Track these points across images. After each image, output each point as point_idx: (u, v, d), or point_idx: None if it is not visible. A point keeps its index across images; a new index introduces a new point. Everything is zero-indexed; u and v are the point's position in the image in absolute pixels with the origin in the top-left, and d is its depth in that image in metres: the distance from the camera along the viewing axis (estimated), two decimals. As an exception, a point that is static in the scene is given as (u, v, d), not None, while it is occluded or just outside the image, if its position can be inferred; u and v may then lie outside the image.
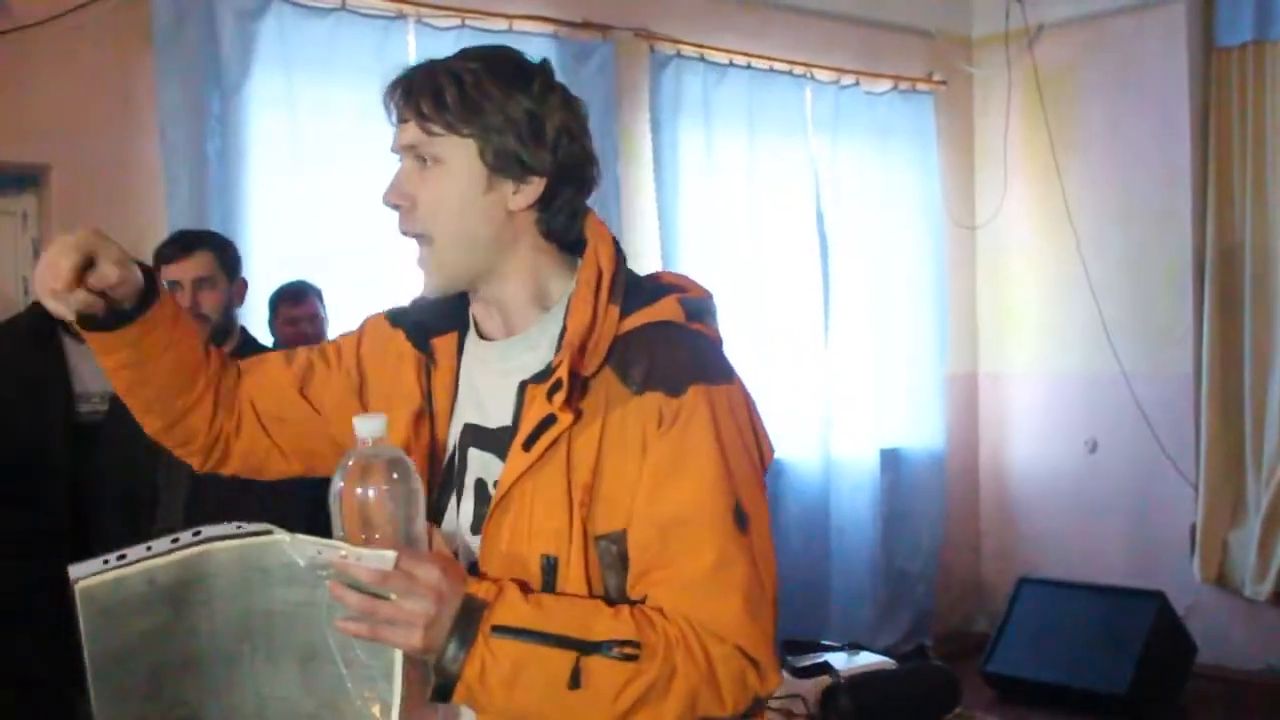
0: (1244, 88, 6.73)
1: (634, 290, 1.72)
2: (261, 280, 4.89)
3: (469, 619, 1.53)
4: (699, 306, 1.74)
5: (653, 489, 1.61)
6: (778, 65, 6.78)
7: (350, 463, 1.55)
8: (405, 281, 5.44)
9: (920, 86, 7.45)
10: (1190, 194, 6.86)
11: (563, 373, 1.62)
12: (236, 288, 3.70)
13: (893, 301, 7.19)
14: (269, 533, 1.59)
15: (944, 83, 7.55)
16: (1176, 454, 6.87)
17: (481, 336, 1.82)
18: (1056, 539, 7.37)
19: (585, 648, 1.54)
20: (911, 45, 7.50)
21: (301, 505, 3.74)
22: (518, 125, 1.67)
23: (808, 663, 3.24)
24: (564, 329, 1.69)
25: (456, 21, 5.68)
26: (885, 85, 7.28)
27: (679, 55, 6.43)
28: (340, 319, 4.97)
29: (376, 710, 1.58)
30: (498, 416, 1.75)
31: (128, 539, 3.62)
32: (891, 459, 7.23)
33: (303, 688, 1.62)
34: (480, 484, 1.75)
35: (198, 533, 1.61)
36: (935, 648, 6.81)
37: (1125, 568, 6.90)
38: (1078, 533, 7.27)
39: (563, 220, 1.74)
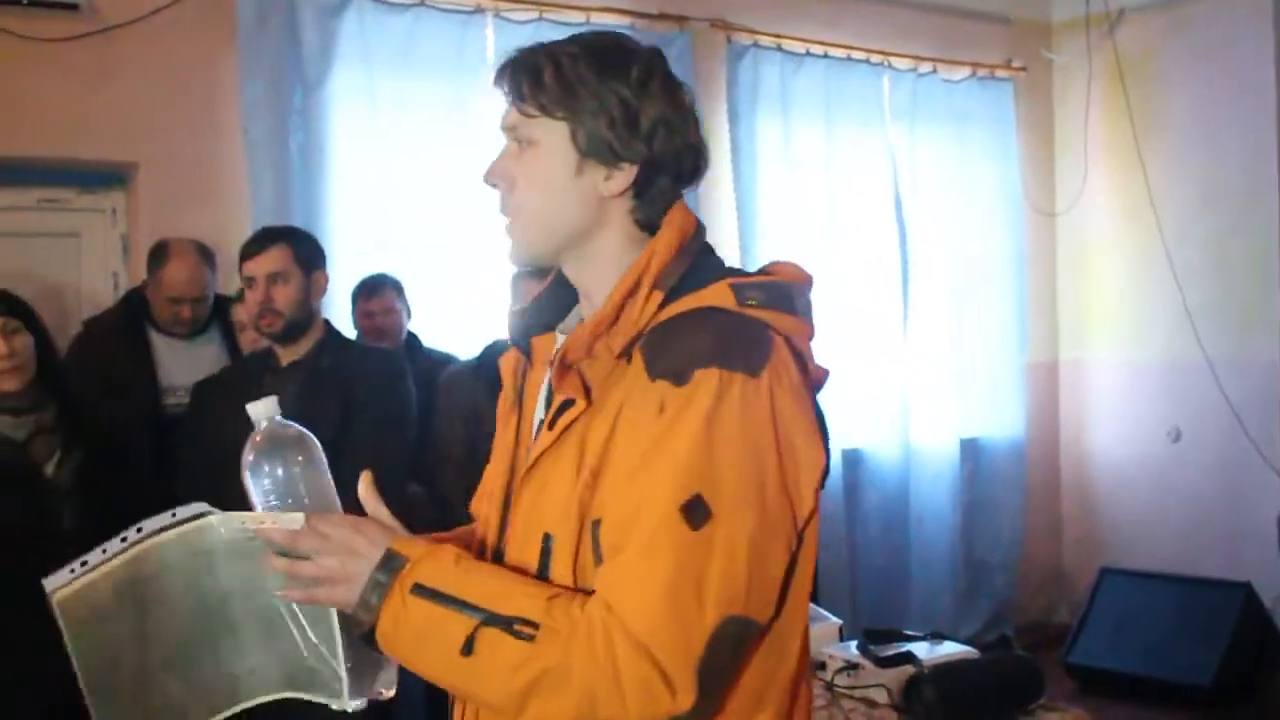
0: (1331, 70, 6.62)
1: (691, 277, 1.65)
2: (344, 273, 4.96)
3: (388, 572, 1.56)
4: (757, 290, 1.63)
5: (628, 473, 1.54)
6: (855, 54, 6.76)
7: (247, 446, 1.69)
8: (486, 273, 5.51)
9: (999, 73, 7.39)
10: (1276, 177, 6.75)
11: (557, 355, 1.66)
12: (315, 281, 3.74)
13: (972, 290, 7.14)
14: (204, 515, 1.63)
15: (1023, 69, 7.49)
16: (1263, 442, 6.77)
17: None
18: (1139, 529, 7.29)
19: (487, 618, 1.51)
20: (990, 32, 7.44)
21: (386, 498, 3.79)
22: (611, 112, 1.64)
23: (890, 652, 3.23)
24: None
25: (534, 14, 5.72)
26: (963, 73, 7.23)
27: (756, 45, 6.43)
28: (422, 311, 5.03)
29: (336, 666, 1.64)
30: (546, 391, 1.76)
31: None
32: (971, 448, 7.19)
33: (269, 657, 1.69)
34: None
35: (140, 529, 1.64)
36: (1017, 637, 6.78)
37: (1210, 558, 6.81)
38: (1161, 522, 7.19)
39: (657, 209, 1.70)
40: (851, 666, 3.22)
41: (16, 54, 4.75)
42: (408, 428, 3.84)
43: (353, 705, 1.67)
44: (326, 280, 3.83)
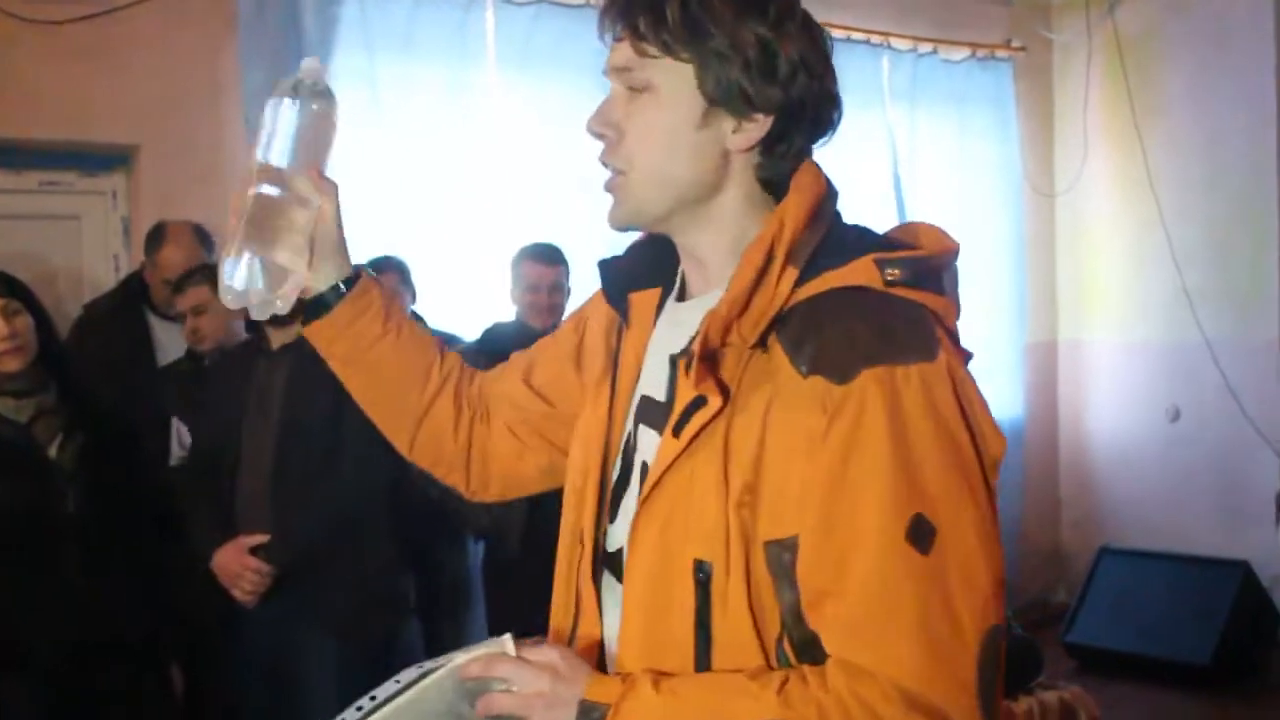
0: (1331, 50, 6.63)
1: (827, 249, 1.44)
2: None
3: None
4: (910, 267, 1.42)
5: (819, 501, 1.33)
6: (854, 35, 6.75)
7: (286, 85, 1.66)
8: (487, 256, 5.52)
9: (999, 54, 7.39)
10: (1276, 159, 6.76)
11: (696, 346, 1.41)
12: None
13: (972, 270, 7.02)
14: (427, 674, 1.48)
15: (1023, 49, 7.49)
16: (1261, 422, 6.79)
17: (683, 293, 1.60)
18: (1138, 508, 7.32)
19: None
20: (989, 12, 7.44)
21: (381, 481, 3.83)
22: (746, 53, 1.43)
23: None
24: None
25: (535, -1, 5.72)
26: (963, 53, 7.23)
27: (755, 27, 6.42)
28: (426, 294, 5.05)
29: None
30: (661, 387, 1.54)
31: (208, 508, 3.72)
32: (971, 428, 7.19)
33: None
34: (644, 467, 1.52)
35: (374, 697, 1.48)
36: (1016, 617, 6.80)
37: (1208, 537, 6.83)
38: (1160, 502, 7.21)
39: (787, 167, 1.49)
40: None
41: (18, 36, 4.75)
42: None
43: None
44: None
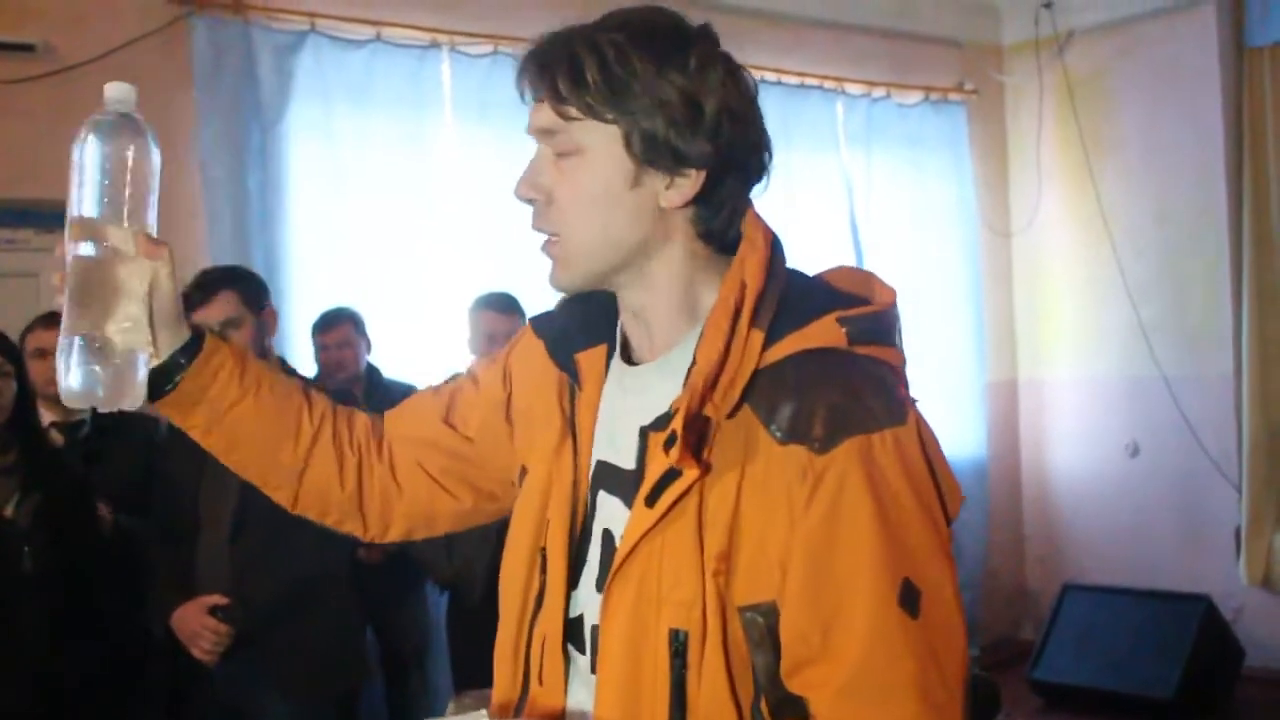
0: (1276, 87, 6.73)
1: (787, 308, 1.43)
2: (305, 310, 4.98)
3: None
4: (867, 326, 1.44)
5: (805, 569, 1.33)
6: (808, 80, 6.82)
7: (91, 119, 1.49)
8: (445, 305, 5.52)
9: (952, 96, 7.48)
10: (1225, 194, 6.86)
11: (678, 424, 1.37)
12: (265, 318, 3.70)
13: (930, 311, 7.19)
14: None
15: (975, 92, 7.57)
16: (1219, 456, 6.85)
17: (626, 352, 1.57)
18: (1100, 544, 7.36)
19: None
20: (942, 55, 7.53)
21: (341, 541, 3.83)
22: (670, 108, 1.39)
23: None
24: (694, 360, 1.41)
25: (489, 48, 5.75)
26: (917, 96, 7.31)
27: (710, 73, 6.46)
28: (383, 345, 5.05)
29: None
30: (627, 455, 1.50)
31: (168, 568, 3.68)
32: (933, 468, 7.22)
33: None
34: (607, 535, 1.50)
35: None
36: (980, 656, 6.82)
37: (1170, 572, 6.87)
38: (1122, 537, 7.25)
39: (724, 218, 1.47)
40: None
41: (-28, 96, 4.75)
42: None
43: None
44: (275, 314, 3.81)
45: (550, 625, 1.52)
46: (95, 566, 3.51)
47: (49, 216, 5.01)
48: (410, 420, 1.80)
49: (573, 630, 1.51)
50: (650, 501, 1.39)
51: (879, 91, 7.14)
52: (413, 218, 5.45)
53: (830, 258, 6.75)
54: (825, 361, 1.39)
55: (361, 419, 1.81)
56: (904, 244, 7.14)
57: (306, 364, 4.56)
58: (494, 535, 4.19)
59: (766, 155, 1.49)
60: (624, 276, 1.49)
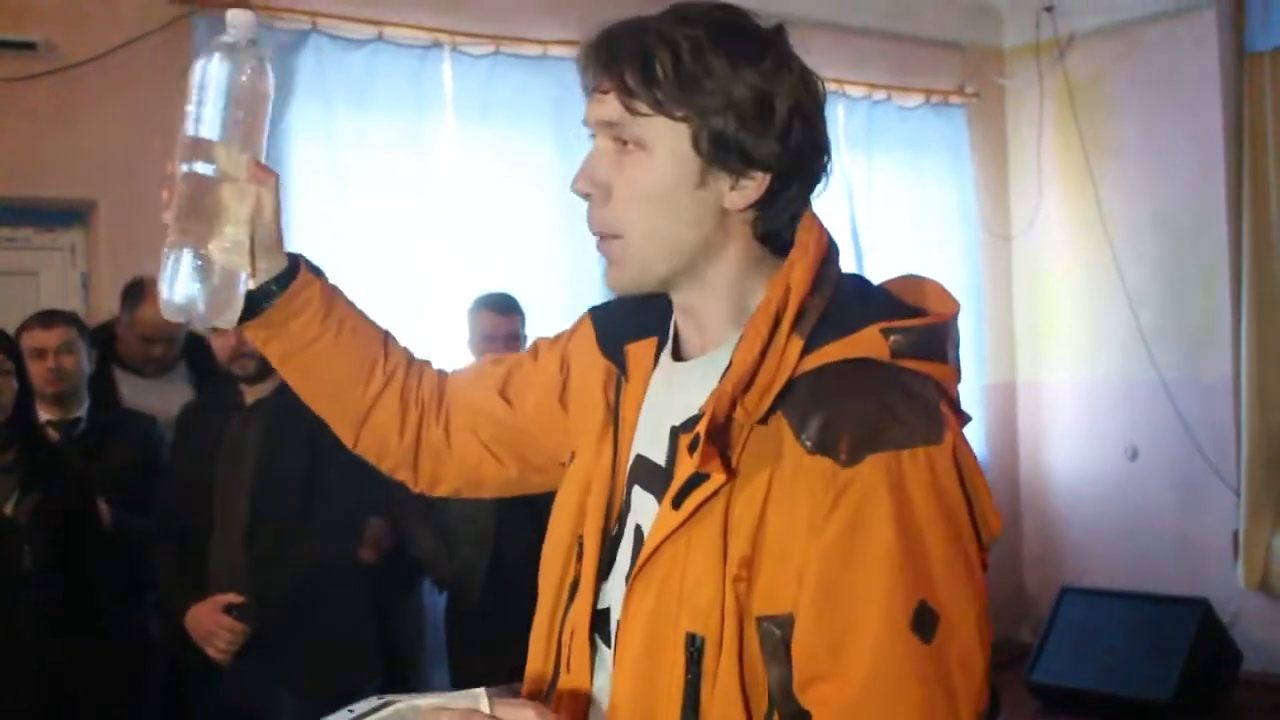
0: (1276, 92, 6.73)
1: (832, 315, 1.39)
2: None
3: None
4: (913, 338, 1.40)
5: (820, 581, 1.29)
6: (809, 82, 6.81)
7: (212, 41, 1.50)
8: (445, 306, 5.51)
9: (952, 99, 7.48)
10: (1224, 199, 6.87)
11: (702, 427, 1.33)
12: None
13: (930, 314, 7.19)
14: (387, 704, 1.37)
15: (976, 95, 7.58)
16: (1217, 459, 6.86)
17: (677, 348, 1.54)
18: (1098, 547, 7.36)
19: None
20: (943, 58, 7.53)
21: (353, 539, 3.85)
22: (741, 107, 1.36)
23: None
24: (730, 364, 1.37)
25: (491, 48, 5.75)
26: (917, 99, 7.31)
27: (711, 75, 6.46)
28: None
29: None
30: (662, 452, 1.47)
31: (181, 566, 3.71)
32: (932, 470, 7.22)
33: None
34: (638, 531, 1.47)
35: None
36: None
37: (1168, 575, 6.88)
38: (1120, 540, 7.26)
39: (784, 222, 1.44)
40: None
41: (-27, 94, 4.75)
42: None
43: None
44: None
45: (580, 615, 1.50)
46: (94, 564, 3.51)
47: (49, 215, 5.04)
48: (469, 386, 1.80)
49: (600, 622, 1.49)
50: (676, 504, 1.36)
51: (879, 94, 7.15)
52: (413, 218, 5.45)
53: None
54: (863, 373, 1.35)
55: (430, 375, 1.82)
56: (904, 246, 7.14)
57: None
58: (492, 538, 4.23)
59: (828, 158, 1.46)
60: (681, 279, 1.45)
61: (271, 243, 1.60)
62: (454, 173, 5.59)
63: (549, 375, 1.72)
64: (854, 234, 6.98)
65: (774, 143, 1.38)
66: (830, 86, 5.61)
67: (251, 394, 3.74)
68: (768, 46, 1.39)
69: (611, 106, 1.39)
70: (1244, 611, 6.70)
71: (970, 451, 1.37)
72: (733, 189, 1.40)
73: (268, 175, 1.54)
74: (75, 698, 3.40)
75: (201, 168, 1.49)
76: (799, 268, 1.40)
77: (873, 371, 1.35)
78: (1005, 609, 7.66)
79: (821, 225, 1.45)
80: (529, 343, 4.80)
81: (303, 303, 1.67)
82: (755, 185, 1.39)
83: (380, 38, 5.49)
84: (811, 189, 1.45)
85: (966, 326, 7.20)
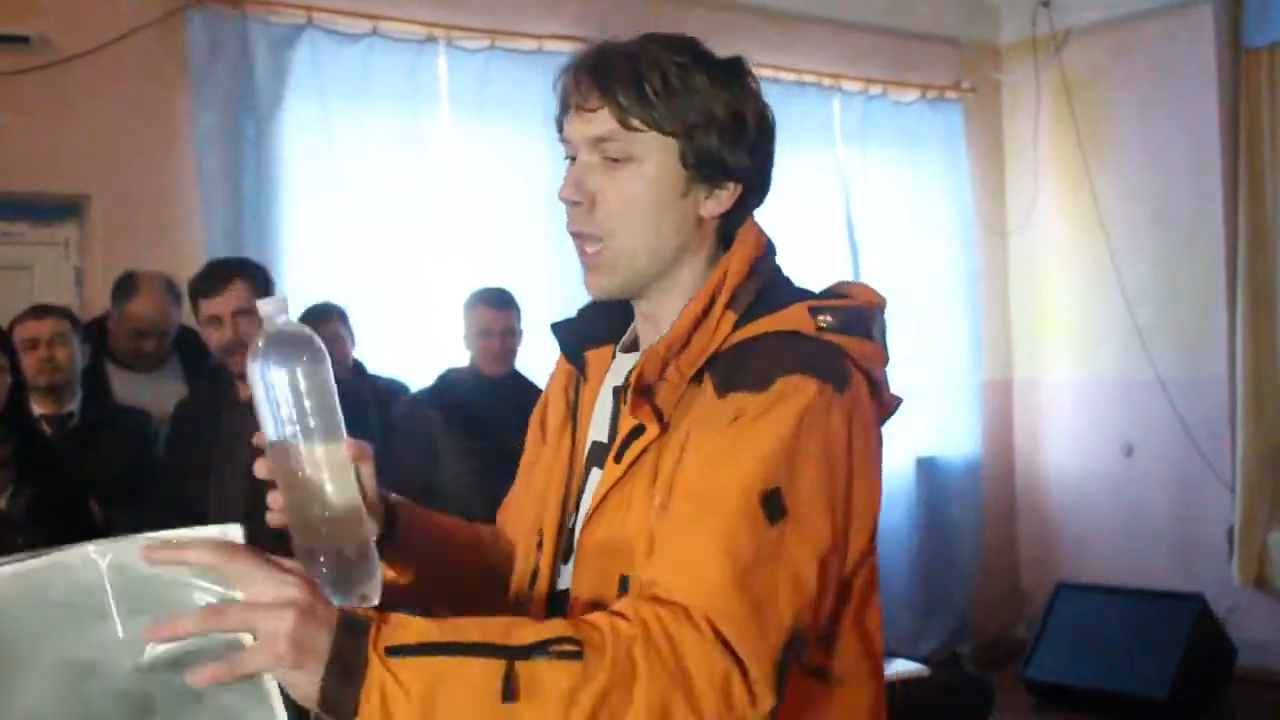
0: (1273, 88, 6.72)
1: (765, 298, 1.54)
2: (298, 304, 4.96)
3: (353, 638, 1.22)
4: (842, 317, 1.53)
5: (700, 469, 1.40)
6: (805, 77, 6.82)
7: (257, 342, 1.46)
8: (439, 301, 5.51)
9: (949, 95, 7.47)
10: (1221, 196, 6.86)
11: (633, 378, 1.48)
12: None
13: (926, 310, 7.19)
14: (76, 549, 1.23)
15: (972, 90, 7.57)
16: (1213, 456, 6.86)
17: (633, 346, 1.67)
18: (1094, 544, 7.36)
19: (513, 652, 1.23)
20: (939, 54, 7.52)
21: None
22: (721, 124, 1.51)
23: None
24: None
25: (486, 43, 5.74)
26: (913, 94, 7.30)
27: (707, 70, 6.45)
28: (376, 339, 5.04)
29: None
30: (609, 424, 1.61)
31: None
32: (927, 467, 7.24)
33: None
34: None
35: None
36: (974, 655, 6.83)
37: (1164, 571, 6.88)
38: (1115, 537, 7.25)
39: (739, 225, 1.59)
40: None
41: (-34, 88, 4.74)
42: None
43: None
44: None
45: (538, 600, 1.59)
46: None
47: (44, 209, 5.03)
48: (514, 512, 1.83)
49: (561, 602, 1.55)
50: (618, 457, 1.49)
51: (876, 89, 7.13)
52: (408, 212, 5.44)
53: (826, 255, 6.79)
54: (784, 339, 1.48)
55: (498, 536, 1.85)
56: (900, 242, 7.13)
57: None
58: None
59: (774, 171, 1.62)
60: (657, 282, 1.57)
61: (377, 507, 1.59)
62: (449, 167, 5.57)
63: (535, 432, 1.82)
64: (849, 229, 6.97)
65: (745, 156, 1.54)
66: (826, 81, 5.71)
67: (245, 390, 3.72)
68: (735, 72, 1.55)
69: (602, 123, 1.50)
70: (1239, 608, 6.70)
71: (863, 427, 1.47)
72: (708, 198, 1.55)
73: (361, 452, 1.52)
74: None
75: (299, 470, 1.47)
76: (736, 258, 1.55)
77: (793, 339, 1.48)
78: (1001, 605, 7.67)
79: (759, 227, 1.61)
80: (524, 338, 4.80)
81: (412, 544, 1.66)
82: (728, 194, 1.55)
83: (375, 32, 5.48)
84: (765, 196, 1.62)
85: (963, 323, 7.28)
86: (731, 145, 1.52)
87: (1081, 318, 7.50)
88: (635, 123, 1.49)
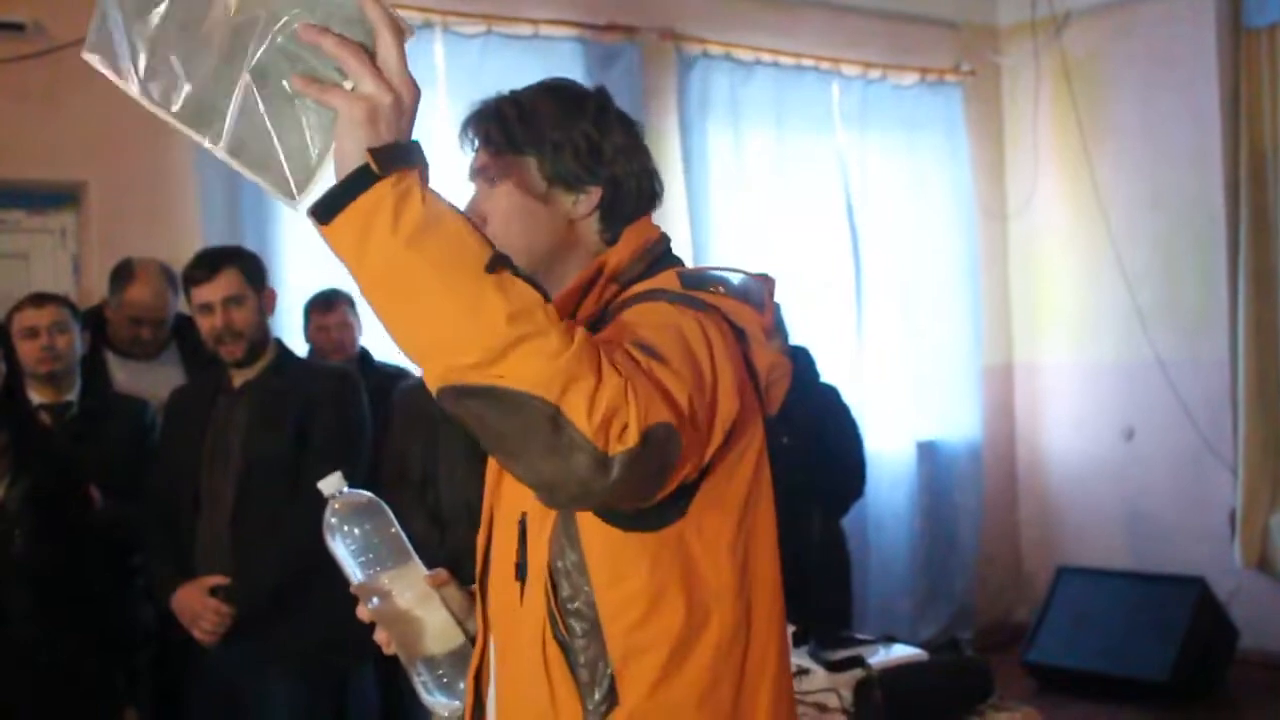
0: (1274, 69, 6.71)
1: (647, 272, 1.76)
2: (296, 290, 4.96)
3: (416, 149, 1.47)
4: (701, 275, 1.75)
5: None
6: (804, 61, 6.80)
7: (326, 513, 1.82)
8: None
9: (948, 78, 7.45)
10: (1222, 178, 6.85)
11: None
12: (265, 298, 3.75)
13: (926, 294, 7.19)
14: None
15: (972, 73, 7.55)
16: (1214, 439, 6.85)
17: None
18: (1096, 527, 7.35)
19: (501, 258, 1.43)
20: (938, 37, 7.50)
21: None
22: (576, 143, 1.76)
23: (840, 656, 3.26)
24: None
25: (483, 28, 5.72)
26: (913, 78, 7.28)
27: (705, 55, 6.46)
28: (373, 327, 5.02)
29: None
30: None
31: (168, 548, 3.70)
32: (928, 451, 7.24)
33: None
34: None
35: None
36: (975, 639, 6.82)
37: (1166, 555, 6.88)
38: (1117, 520, 7.25)
39: (623, 228, 1.80)
40: (803, 671, 3.24)
41: (-38, 76, 4.72)
42: (364, 446, 3.86)
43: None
44: (274, 296, 3.85)
45: (480, 576, 1.82)
46: (85, 548, 3.50)
47: (39, 197, 5.01)
48: None
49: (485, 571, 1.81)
50: None
51: (875, 73, 7.11)
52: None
53: (825, 240, 6.78)
54: (653, 293, 1.68)
55: None
56: (899, 226, 7.12)
57: (296, 343, 4.53)
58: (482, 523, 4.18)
59: (657, 184, 1.84)
60: (545, 276, 1.71)
61: (465, 614, 1.89)
62: (445, 153, 5.54)
63: None
64: (849, 213, 6.95)
65: (604, 168, 1.77)
66: (825, 65, 5.72)
67: (239, 377, 3.73)
68: (590, 100, 1.81)
69: (481, 157, 1.80)
70: (1241, 590, 6.69)
71: (723, 342, 1.60)
72: (575, 203, 1.77)
73: (439, 579, 1.88)
74: (66, 682, 3.39)
75: (387, 604, 1.83)
76: (622, 241, 1.79)
77: (661, 292, 1.67)
78: (1002, 589, 7.67)
79: (652, 224, 1.83)
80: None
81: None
82: (590, 197, 1.77)
83: (372, 18, 5.44)
84: (646, 205, 1.83)
85: (964, 307, 7.27)
86: (587, 161, 1.76)
87: (1082, 301, 7.49)
88: (500, 149, 1.77)
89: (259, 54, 1.46)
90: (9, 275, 4.95)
